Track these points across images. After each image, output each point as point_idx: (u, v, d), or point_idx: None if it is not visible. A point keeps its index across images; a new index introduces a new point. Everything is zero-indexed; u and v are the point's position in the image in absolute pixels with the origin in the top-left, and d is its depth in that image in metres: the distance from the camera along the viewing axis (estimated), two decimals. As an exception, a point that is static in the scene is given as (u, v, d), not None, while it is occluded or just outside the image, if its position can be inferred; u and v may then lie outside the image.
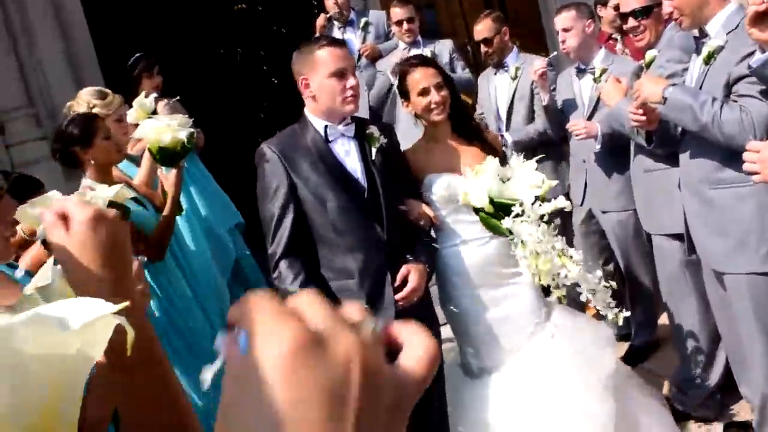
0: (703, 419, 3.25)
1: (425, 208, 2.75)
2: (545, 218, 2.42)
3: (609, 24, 4.68)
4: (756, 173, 2.10)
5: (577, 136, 3.63)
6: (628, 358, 3.84)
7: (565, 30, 3.72)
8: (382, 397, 0.44)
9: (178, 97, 4.45)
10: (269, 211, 2.54)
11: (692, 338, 3.26)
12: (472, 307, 2.79)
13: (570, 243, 3.67)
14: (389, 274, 2.56)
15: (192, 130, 2.94)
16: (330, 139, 2.57)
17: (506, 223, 2.44)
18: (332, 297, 2.42)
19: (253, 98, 8.47)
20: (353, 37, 5.36)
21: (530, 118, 4.25)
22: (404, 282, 2.58)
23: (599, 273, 2.44)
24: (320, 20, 5.33)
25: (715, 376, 3.23)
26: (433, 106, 2.79)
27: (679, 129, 2.78)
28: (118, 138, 3.32)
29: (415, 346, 0.47)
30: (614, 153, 3.49)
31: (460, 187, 2.66)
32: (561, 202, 2.43)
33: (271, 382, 0.41)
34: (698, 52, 2.67)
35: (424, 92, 2.79)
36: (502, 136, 4.14)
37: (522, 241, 2.40)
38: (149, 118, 3.60)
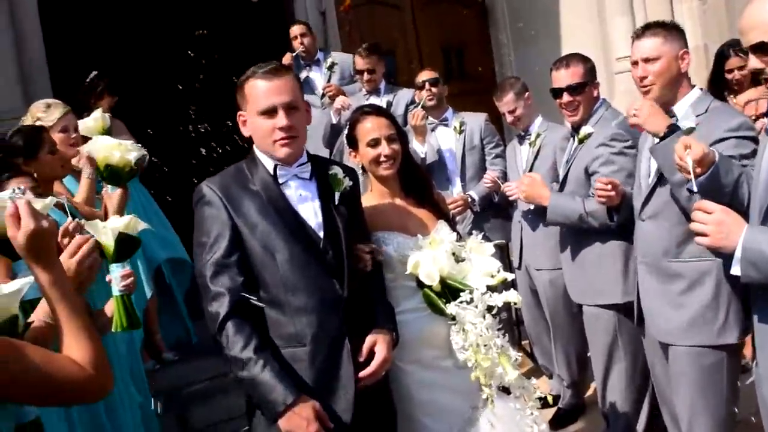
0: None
1: (373, 246, 2.44)
2: (493, 311, 2.28)
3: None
4: (704, 235, 2.00)
5: (511, 196, 3.76)
6: (556, 422, 3.92)
7: (511, 112, 4.00)
8: None
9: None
10: (206, 263, 2.13)
11: (619, 403, 3.36)
12: (410, 385, 2.49)
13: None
14: (347, 342, 2.18)
15: (144, 153, 2.88)
16: (281, 180, 2.23)
17: (451, 308, 2.27)
18: (286, 367, 2.11)
19: (208, 130, 8.36)
20: (318, 76, 5.44)
21: (482, 168, 4.39)
22: (369, 356, 2.21)
23: (534, 381, 2.35)
24: (286, 58, 5.36)
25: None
26: (382, 159, 2.57)
27: (637, 201, 2.82)
28: (63, 150, 3.23)
29: None
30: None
31: (410, 252, 2.41)
32: (512, 296, 2.32)
33: None
34: None
35: (375, 143, 2.57)
36: (470, 197, 4.25)
37: (464, 329, 2.26)
38: (104, 133, 3.54)
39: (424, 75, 4.56)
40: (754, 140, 2.52)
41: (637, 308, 2.90)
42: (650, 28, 2.76)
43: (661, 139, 2.49)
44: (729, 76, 4.50)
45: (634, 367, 3.29)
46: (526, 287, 4.04)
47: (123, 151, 2.75)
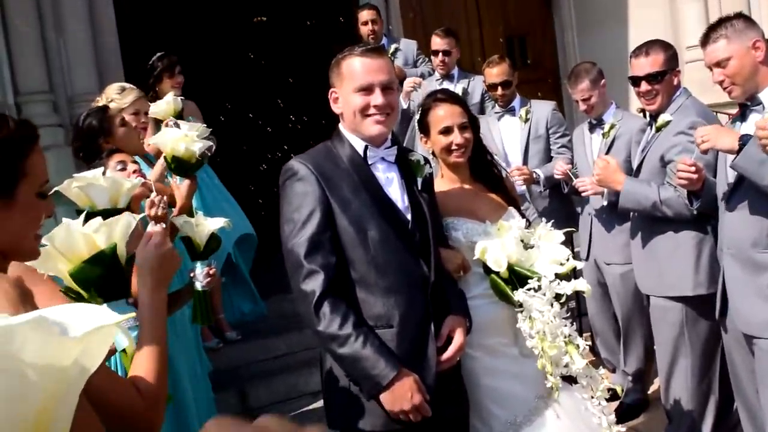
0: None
1: (464, 258, 2.44)
2: (561, 299, 2.24)
3: None
4: None
5: (583, 192, 3.67)
6: (619, 417, 3.84)
7: (585, 100, 3.89)
8: None
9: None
10: (299, 240, 2.10)
11: (684, 399, 3.29)
12: (477, 371, 2.49)
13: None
14: (432, 326, 2.19)
15: (210, 143, 2.93)
16: (370, 162, 2.23)
17: (519, 295, 2.24)
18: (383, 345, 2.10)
19: (272, 110, 8.49)
20: None
21: (547, 158, 4.34)
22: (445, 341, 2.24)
23: (602, 371, 2.30)
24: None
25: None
26: (454, 147, 2.55)
27: (721, 190, 2.78)
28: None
29: None
30: None
31: (479, 238, 2.41)
32: (581, 285, 2.28)
33: None
34: (744, 119, 2.70)
35: (447, 131, 2.55)
36: (536, 173, 4.18)
37: (530, 317, 2.23)
38: (177, 116, 3.62)
39: (496, 77, 4.38)
40: None
41: (720, 299, 2.82)
42: (713, 30, 2.70)
43: (737, 153, 2.45)
44: None
45: (700, 363, 3.21)
46: (594, 280, 3.96)
47: (188, 142, 2.78)
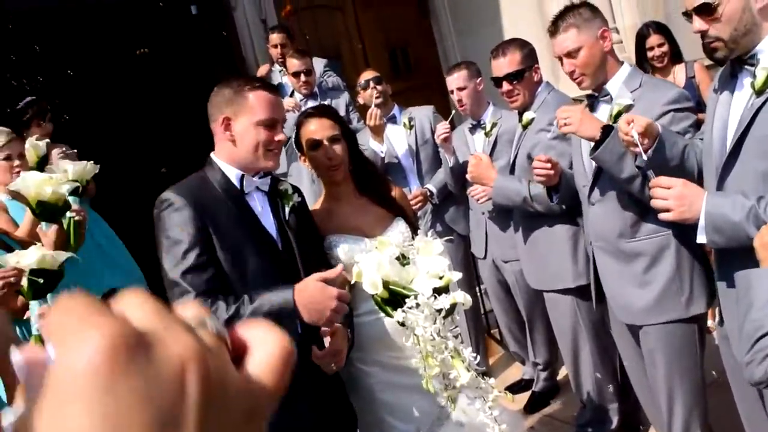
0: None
1: (343, 274, 2.30)
2: (442, 313, 2.15)
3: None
4: (667, 210, 2.03)
5: (478, 201, 3.62)
6: (531, 405, 3.94)
7: (460, 89, 3.86)
8: (230, 409, 0.36)
9: (75, 150, 4.24)
10: (180, 270, 2.04)
11: (591, 383, 3.39)
12: (373, 386, 2.47)
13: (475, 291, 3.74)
14: (314, 348, 2.16)
15: (76, 184, 2.76)
16: (246, 191, 2.21)
17: (397, 315, 2.14)
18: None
19: (154, 148, 8.20)
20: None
21: (437, 161, 4.34)
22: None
23: (492, 381, 2.19)
24: (263, 69, 5.28)
25: (614, 418, 3.38)
26: (326, 161, 2.52)
27: (581, 183, 2.80)
28: (5, 179, 3.14)
29: (265, 346, 0.40)
30: None
31: (359, 255, 2.28)
32: (459, 297, 2.19)
33: (80, 394, 0.32)
34: (593, 110, 2.71)
35: (317, 145, 2.51)
36: (429, 190, 4.19)
37: (415, 335, 2.15)
38: (39, 161, 3.40)
39: (367, 75, 4.50)
40: (694, 111, 2.54)
41: (595, 291, 2.88)
42: (561, 19, 2.68)
43: (598, 143, 2.46)
44: (650, 54, 4.70)
45: (600, 347, 3.32)
46: (494, 279, 4.02)
47: (54, 185, 2.59)
